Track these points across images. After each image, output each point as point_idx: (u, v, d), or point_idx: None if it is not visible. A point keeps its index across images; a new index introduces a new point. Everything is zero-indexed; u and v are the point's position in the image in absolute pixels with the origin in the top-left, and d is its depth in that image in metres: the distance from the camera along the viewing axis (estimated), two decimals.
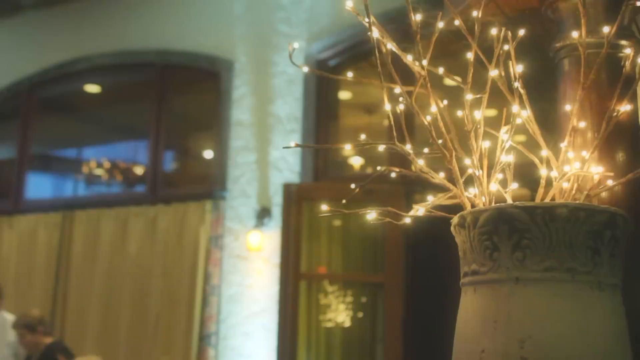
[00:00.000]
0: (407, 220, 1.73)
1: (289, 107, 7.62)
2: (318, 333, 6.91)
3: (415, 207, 1.72)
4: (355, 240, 7.02)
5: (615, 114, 1.75)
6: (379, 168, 1.94)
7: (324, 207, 1.76)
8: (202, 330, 7.40)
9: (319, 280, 6.99)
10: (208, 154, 8.47)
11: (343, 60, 7.63)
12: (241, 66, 7.95)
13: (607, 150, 1.84)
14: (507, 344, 1.46)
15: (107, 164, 9.84)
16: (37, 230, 8.56)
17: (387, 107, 1.69)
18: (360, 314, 7.01)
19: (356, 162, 8.85)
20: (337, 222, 7.12)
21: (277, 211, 7.38)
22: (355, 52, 7.62)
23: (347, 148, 1.75)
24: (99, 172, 9.86)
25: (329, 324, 6.94)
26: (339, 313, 6.92)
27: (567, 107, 1.79)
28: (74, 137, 10.42)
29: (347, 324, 6.96)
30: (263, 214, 7.44)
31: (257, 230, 7.38)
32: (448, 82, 1.90)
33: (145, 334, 7.70)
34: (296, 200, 6.78)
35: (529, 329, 1.46)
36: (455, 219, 1.62)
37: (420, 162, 1.70)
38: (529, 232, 1.49)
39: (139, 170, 9.50)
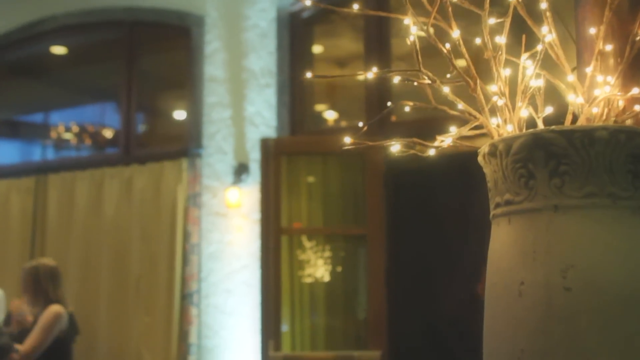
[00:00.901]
0: (432, 152, 1.67)
1: (262, 61, 7.50)
2: (301, 287, 6.87)
3: (440, 137, 1.65)
4: (336, 193, 6.96)
5: (638, 37, 1.68)
6: (389, 104, 1.86)
7: (347, 140, 1.68)
8: (184, 289, 7.33)
9: (300, 234, 6.93)
10: (182, 112, 8.32)
11: (317, 12, 7.50)
12: (212, 21, 7.78)
13: (630, 76, 1.78)
14: (549, 275, 1.41)
15: (75, 128, 9.64)
16: (10, 196, 8.38)
17: (413, 30, 1.61)
18: (343, 267, 6.97)
19: (330, 116, 8.78)
20: (316, 176, 7.04)
21: (254, 167, 7.29)
22: (328, 3, 7.49)
23: (369, 76, 1.66)
24: (67, 136, 9.66)
25: (312, 278, 6.90)
26: (322, 267, 6.88)
27: (592, 31, 1.73)
28: (41, 101, 10.19)
29: (330, 277, 6.92)
30: (240, 170, 7.35)
31: (235, 187, 7.29)
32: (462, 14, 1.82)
33: (126, 296, 7.60)
34: (274, 154, 6.70)
35: (571, 258, 1.40)
36: (484, 148, 1.55)
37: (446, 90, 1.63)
38: (567, 157, 1.43)
39: (109, 133, 9.33)
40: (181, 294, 7.33)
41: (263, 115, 7.36)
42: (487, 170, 1.57)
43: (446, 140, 1.65)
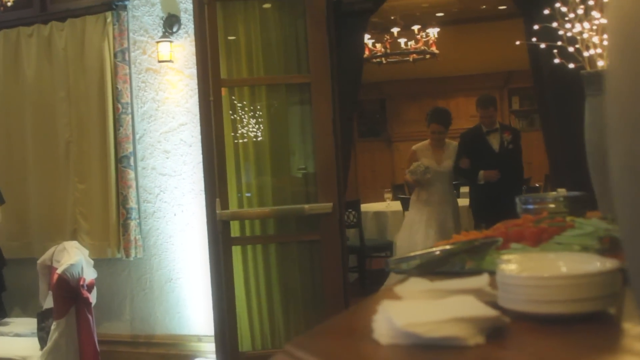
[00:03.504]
0: None
1: None
2: (246, 141, 6.49)
3: None
4: (276, 42, 6.50)
5: None
6: None
7: None
8: (118, 152, 6.90)
9: (241, 85, 6.51)
10: None
11: None
12: None
13: None
14: None
15: None
16: None
17: None
18: (288, 117, 6.60)
19: None
20: (254, 24, 6.56)
21: (186, 18, 6.80)
22: None
23: None
24: None
25: (256, 131, 6.52)
26: (266, 119, 6.50)
27: None
28: None
29: (274, 129, 6.55)
30: (171, 21, 6.85)
31: (166, 40, 6.79)
32: None
33: (56, 163, 7.14)
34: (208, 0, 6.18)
35: None
36: None
37: None
38: None
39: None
40: (116, 157, 6.91)
41: None
42: None
43: None
